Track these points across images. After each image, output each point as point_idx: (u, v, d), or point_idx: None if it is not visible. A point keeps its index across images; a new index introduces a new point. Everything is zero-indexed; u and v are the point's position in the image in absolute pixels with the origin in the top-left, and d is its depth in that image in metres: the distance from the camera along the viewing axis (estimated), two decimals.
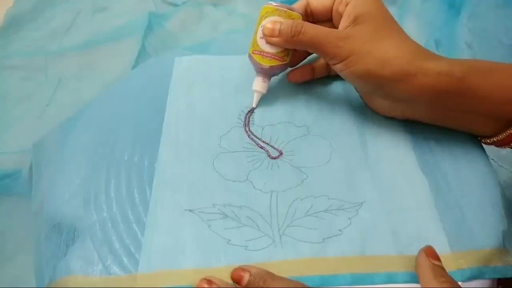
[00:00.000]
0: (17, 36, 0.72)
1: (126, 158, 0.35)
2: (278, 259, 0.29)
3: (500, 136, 0.33)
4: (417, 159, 0.34)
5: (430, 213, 0.31)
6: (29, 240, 0.38)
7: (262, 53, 0.36)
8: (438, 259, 0.27)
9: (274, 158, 0.35)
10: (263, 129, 0.37)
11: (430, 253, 0.28)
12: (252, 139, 0.36)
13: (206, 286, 0.27)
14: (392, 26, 0.33)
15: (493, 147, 0.35)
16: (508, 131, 0.32)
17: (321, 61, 0.39)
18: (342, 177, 0.33)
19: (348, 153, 0.35)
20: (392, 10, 0.36)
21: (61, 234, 0.31)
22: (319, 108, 0.38)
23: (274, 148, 0.35)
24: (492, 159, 0.51)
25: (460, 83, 0.30)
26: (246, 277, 0.27)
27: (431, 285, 0.26)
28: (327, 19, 0.37)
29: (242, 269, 0.27)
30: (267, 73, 0.38)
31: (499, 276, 0.29)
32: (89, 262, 0.29)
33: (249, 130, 0.37)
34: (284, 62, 0.37)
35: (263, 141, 0.36)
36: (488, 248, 0.29)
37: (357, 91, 0.38)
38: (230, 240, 0.29)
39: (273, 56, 0.36)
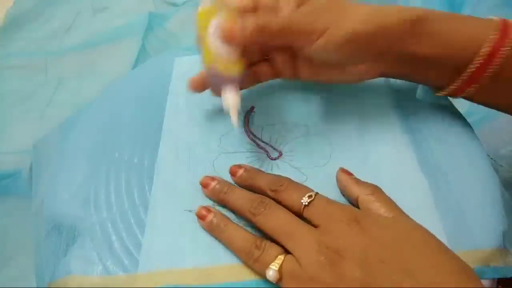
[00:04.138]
0: (17, 36, 0.72)
1: (126, 158, 0.35)
2: None
3: (455, 84, 0.33)
4: (417, 159, 0.34)
5: (430, 213, 0.31)
6: (29, 240, 0.38)
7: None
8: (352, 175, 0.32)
9: (274, 159, 0.34)
10: (263, 129, 0.37)
11: (346, 171, 0.32)
12: (252, 139, 0.36)
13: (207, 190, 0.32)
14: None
15: (492, 147, 0.35)
16: (462, 77, 0.32)
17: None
18: None
19: (348, 153, 0.35)
20: None
21: (61, 234, 0.31)
22: (319, 108, 0.38)
23: (274, 149, 0.35)
24: (492, 159, 0.51)
25: (419, 26, 0.31)
26: (240, 172, 0.32)
27: (356, 191, 0.30)
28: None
29: (239, 165, 0.33)
30: (237, 82, 0.32)
31: (499, 276, 0.29)
32: (89, 262, 0.29)
33: (249, 130, 0.37)
34: (245, 66, 0.32)
35: (263, 141, 0.36)
36: (488, 248, 0.29)
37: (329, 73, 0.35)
38: None
39: (237, 61, 0.31)
